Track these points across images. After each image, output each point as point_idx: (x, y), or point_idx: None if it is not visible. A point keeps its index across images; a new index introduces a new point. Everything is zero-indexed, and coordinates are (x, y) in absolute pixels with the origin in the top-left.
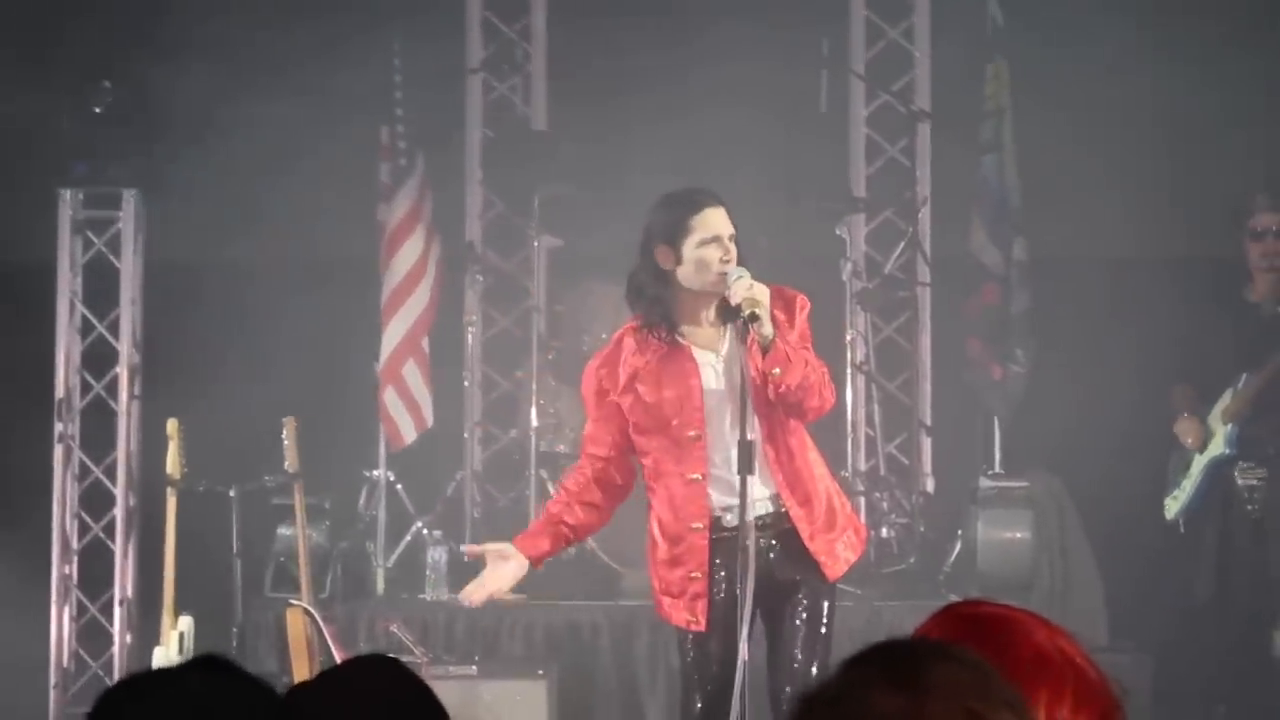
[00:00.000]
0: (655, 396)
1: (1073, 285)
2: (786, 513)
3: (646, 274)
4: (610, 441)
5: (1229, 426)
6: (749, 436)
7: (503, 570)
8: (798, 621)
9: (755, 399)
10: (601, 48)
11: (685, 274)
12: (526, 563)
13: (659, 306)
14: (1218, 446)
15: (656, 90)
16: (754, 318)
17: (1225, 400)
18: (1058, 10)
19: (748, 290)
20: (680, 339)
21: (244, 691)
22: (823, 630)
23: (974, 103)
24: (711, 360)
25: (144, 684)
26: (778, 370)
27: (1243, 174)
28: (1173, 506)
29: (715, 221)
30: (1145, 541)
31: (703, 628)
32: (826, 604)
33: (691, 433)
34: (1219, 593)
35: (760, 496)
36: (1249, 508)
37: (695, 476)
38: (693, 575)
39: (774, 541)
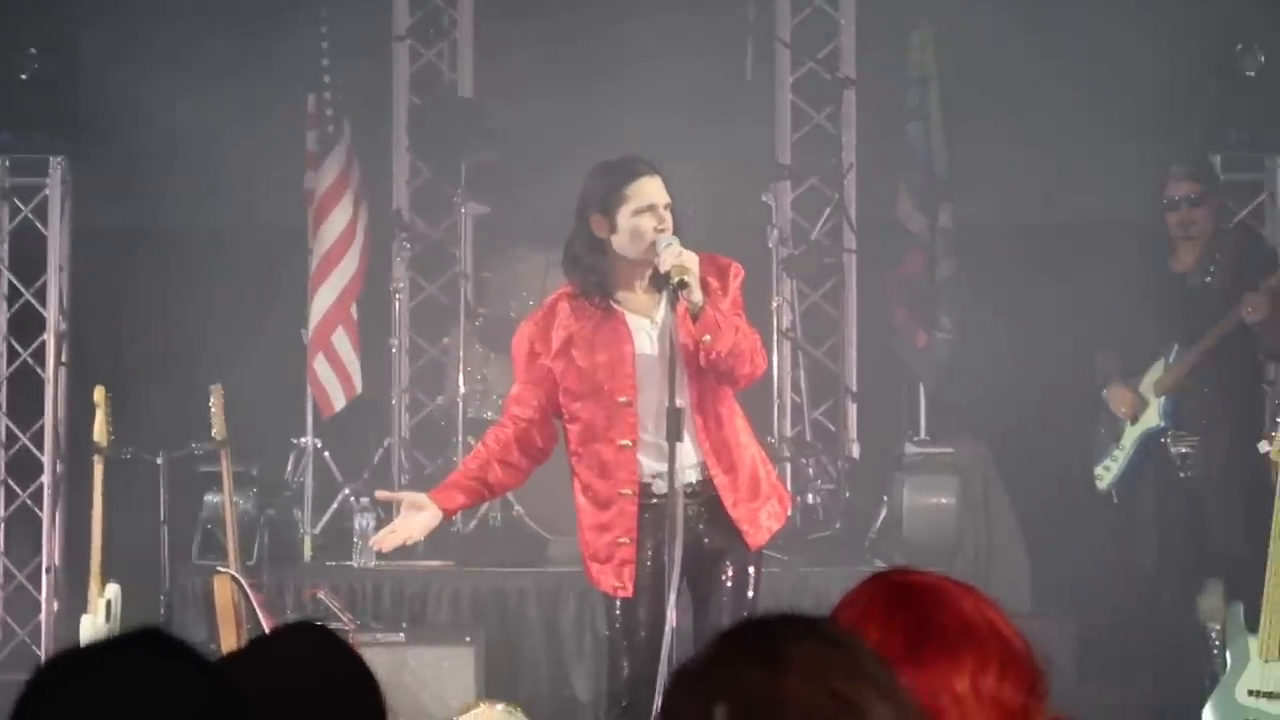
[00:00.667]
0: (588, 361)
1: (998, 252)
2: (712, 480)
3: (581, 242)
4: (536, 404)
5: (1162, 399)
6: (678, 404)
7: (416, 519)
8: (723, 589)
9: (686, 366)
10: (529, 13)
11: (620, 242)
12: (440, 514)
13: (594, 275)
14: (1151, 419)
15: (583, 58)
16: (683, 284)
17: (1157, 371)
18: None
19: (676, 258)
20: (615, 306)
21: (185, 668)
22: (749, 597)
23: (899, 70)
24: (646, 327)
25: (79, 663)
26: (708, 337)
27: (1165, 141)
28: (1105, 477)
29: (650, 190)
30: (1069, 507)
31: (629, 594)
32: (752, 571)
33: (623, 399)
34: (1158, 561)
35: (688, 464)
36: (1182, 475)
37: (625, 443)
38: (620, 541)
39: (701, 509)
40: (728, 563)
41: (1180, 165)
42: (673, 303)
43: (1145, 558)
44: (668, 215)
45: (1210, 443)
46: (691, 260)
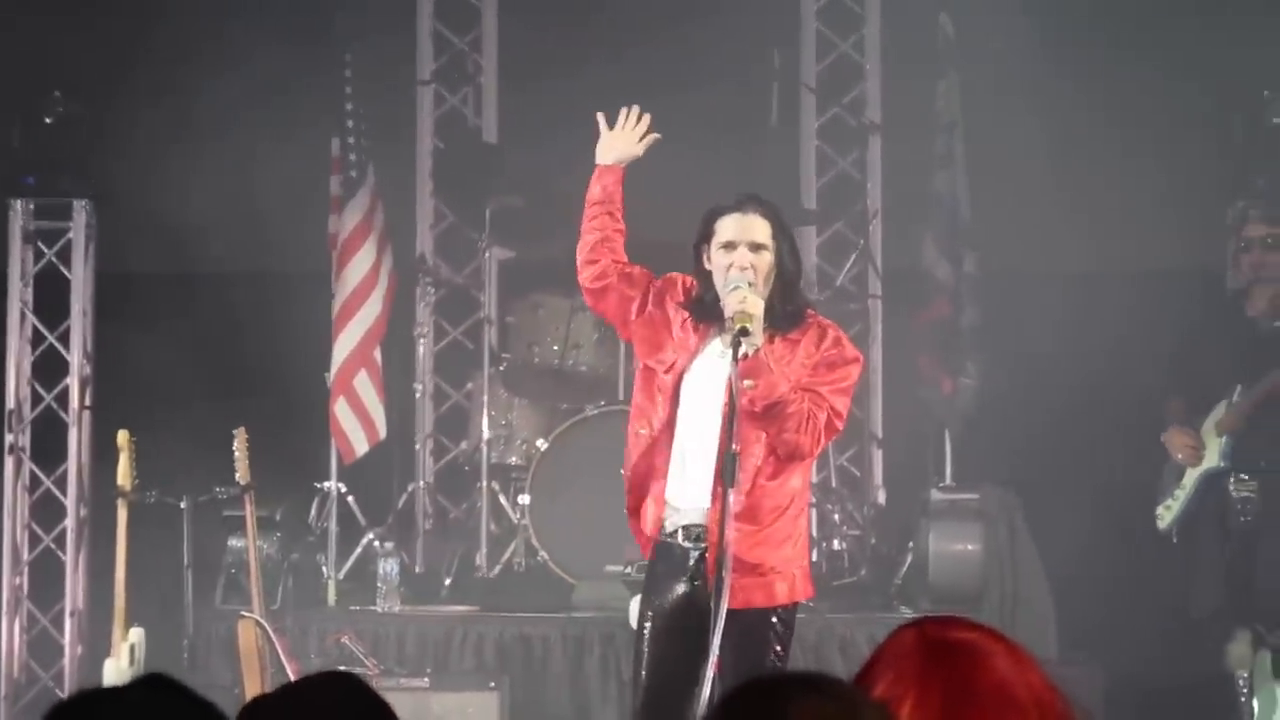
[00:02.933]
0: (657, 343)
1: (1023, 299)
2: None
3: (696, 271)
4: (635, 277)
5: (1223, 439)
6: (733, 448)
7: (634, 140)
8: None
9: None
10: (553, 59)
11: (715, 275)
12: (628, 160)
13: (698, 305)
14: (1212, 459)
15: (607, 103)
16: (743, 331)
17: (1219, 413)
18: (1009, 23)
19: (739, 303)
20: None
21: (189, 710)
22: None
23: (925, 116)
24: (715, 357)
25: (87, 704)
26: (749, 382)
27: (1196, 187)
28: (1165, 517)
29: (732, 227)
30: (1095, 553)
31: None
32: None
33: (660, 397)
34: (1209, 604)
35: (698, 506)
36: (1242, 519)
37: (643, 430)
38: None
39: (701, 555)
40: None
41: (1256, 208)
42: (735, 347)
43: (1201, 600)
44: (750, 254)
45: (1268, 485)
46: (756, 306)
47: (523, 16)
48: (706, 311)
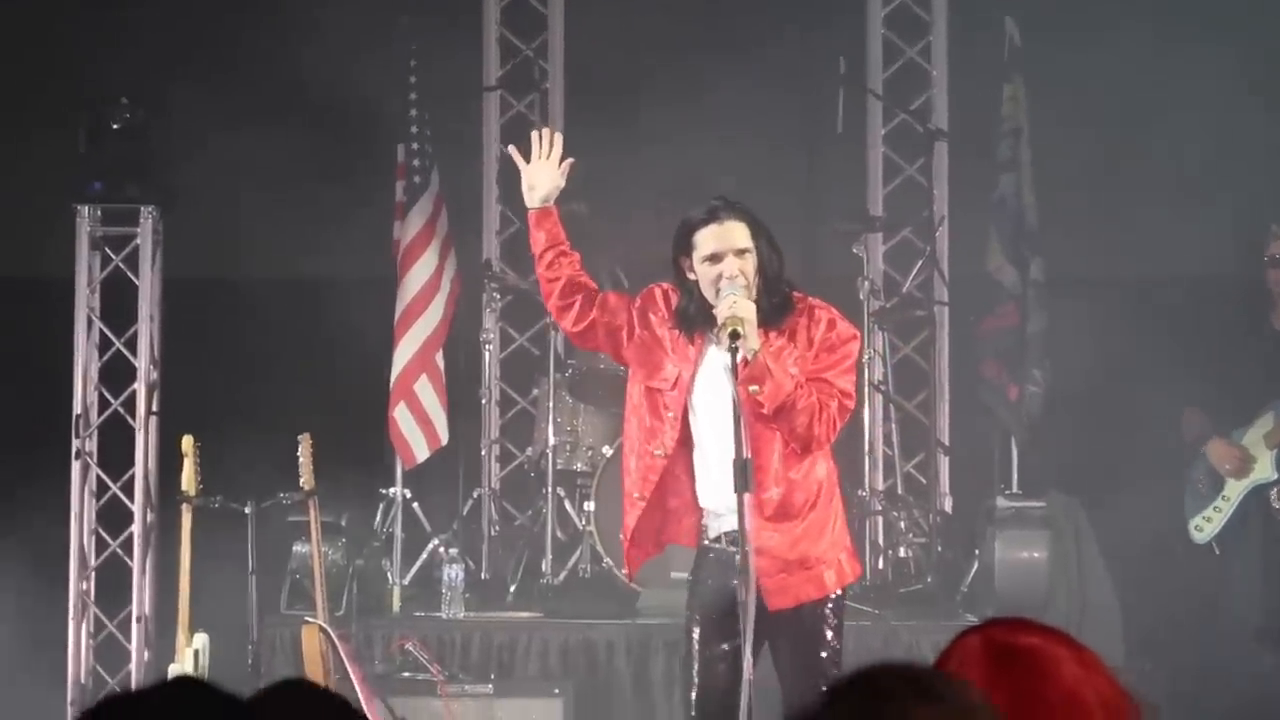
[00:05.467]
0: (654, 361)
1: (1090, 306)
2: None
3: (678, 282)
4: (612, 304)
5: (1275, 451)
6: (745, 455)
7: (552, 170)
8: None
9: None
10: (618, 65)
11: (702, 287)
12: (553, 194)
13: (682, 317)
14: (1265, 471)
15: (673, 110)
16: (735, 335)
17: (1265, 425)
18: (1075, 29)
19: (730, 308)
20: (701, 338)
21: (215, 709)
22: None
23: (991, 122)
24: (718, 365)
25: (115, 708)
26: (754, 387)
27: (1265, 196)
28: (1205, 529)
29: (714, 238)
30: (1162, 560)
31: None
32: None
33: (670, 413)
34: (1259, 616)
35: (728, 510)
36: None
37: (659, 452)
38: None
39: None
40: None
41: (1278, 224)
42: (733, 354)
43: (1246, 611)
44: (736, 261)
45: None
46: (747, 310)
47: (589, 22)
48: (693, 322)
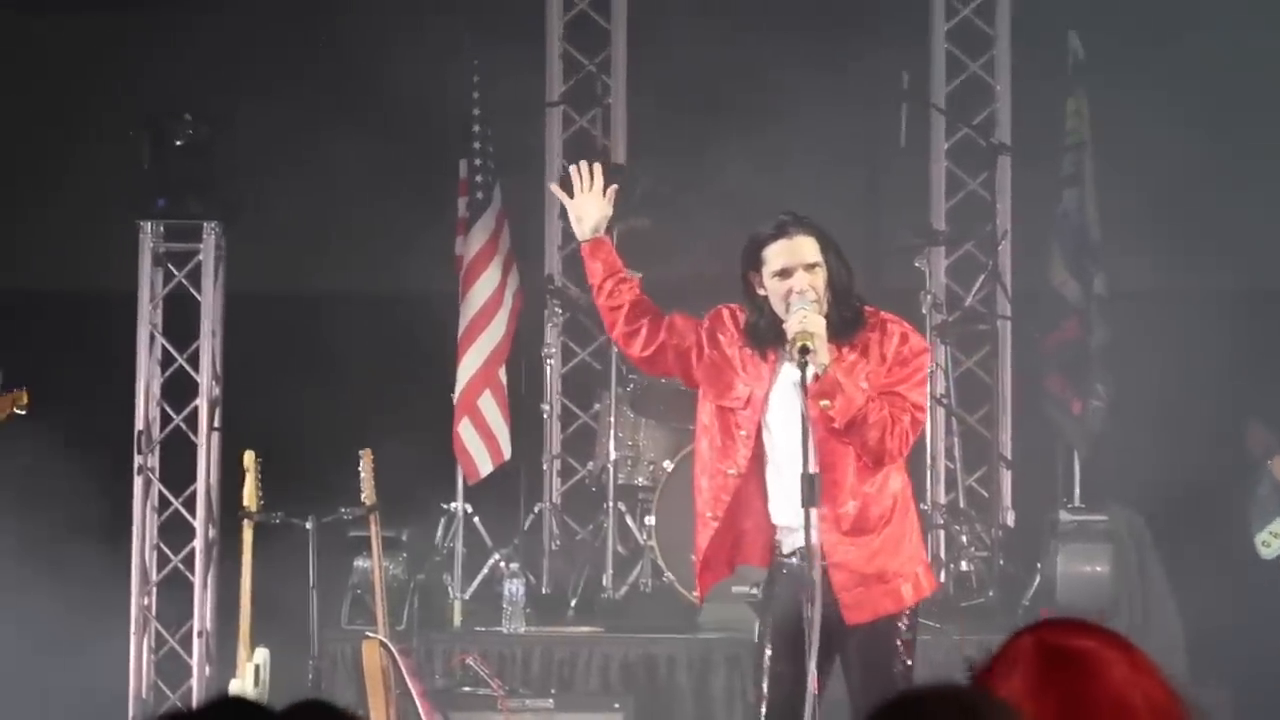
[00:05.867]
0: (727, 382)
1: (1153, 319)
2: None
3: (746, 297)
4: (680, 326)
5: None
6: (811, 469)
7: (599, 200)
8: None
9: (814, 431)
10: (681, 79)
11: (772, 302)
12: (603, 224)
13: (753, 332)
14: None
15: (735, 124)
16: (805, 350)
17: None
18: (1138, 44)
19: (800, 323)
20: (772, 354)
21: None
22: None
23: (1054, 136)
24: (792, 382)
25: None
26: (825, 402)
27: None
28: (1273, 544)
29: (783, 254)
30: (1227, 576)
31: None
32: (855, 646)
33: (743, 432)
34: None
35: (799, 526)
36: None
37: (732, 471)
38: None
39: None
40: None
41: None
42: (803, 369)
43: None
44: (806, 276)
45: None
46: (817, 324)
47: (651, 38)
48: (764, 337)
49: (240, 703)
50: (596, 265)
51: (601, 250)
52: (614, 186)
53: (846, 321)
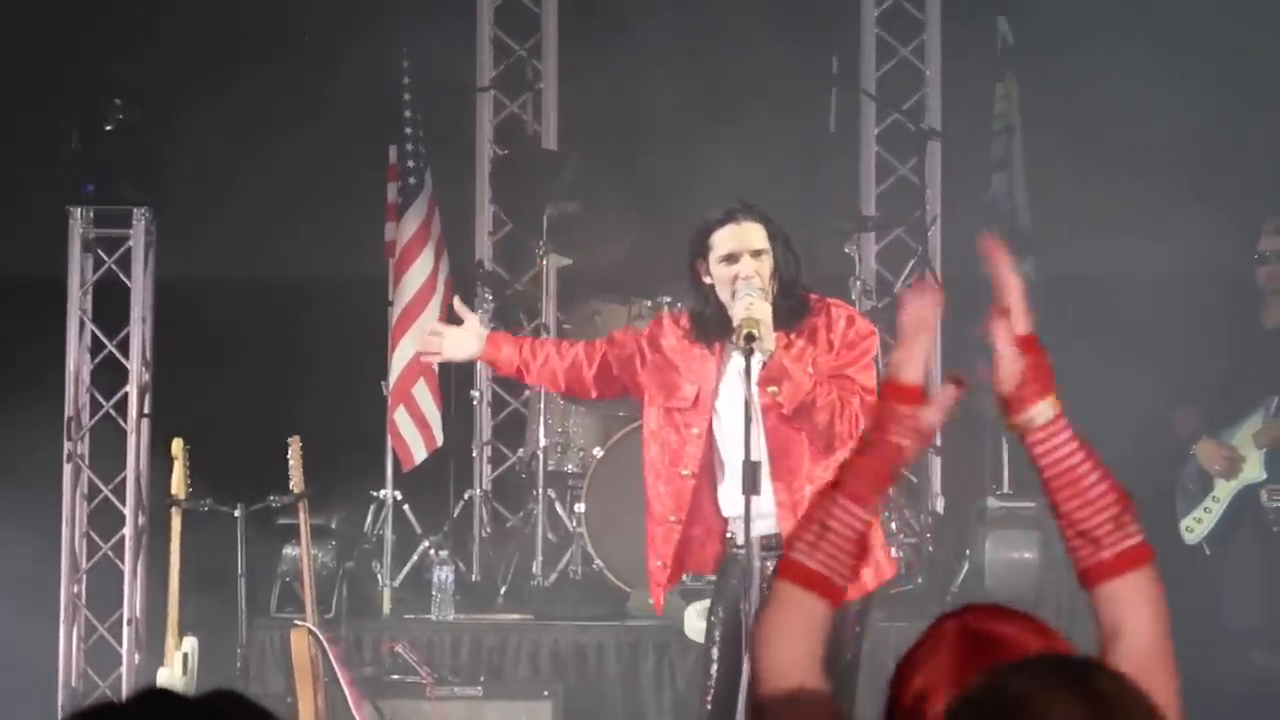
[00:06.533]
0: (672, 381)
1: (1083, 304)
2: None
3: (693, 288)
4: (620, 339)
5: (1264, 451)
6: (754, 458)
7: (461, 334)
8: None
9: (765, 418)
10: (612, 65)
11: (718, 289)
12: (482, 341)
13: (698, 320)
14: (1255, 471)
15: (665, 110)
16: (750, 337)
17: (1254, 424)
18: (1067, 29)
19: (746, 309)
20: (719, 345)
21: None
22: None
23: (984, 121)
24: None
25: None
26: (773, 388)
27: (1256, 193)
28: (1196, 529)
29: (730, 239)
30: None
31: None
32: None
33: (694, 430)
34: (1251, 617)
35: (763, 515)
36: (1276, 529)
37: (686, 472)
38: (656, 564)
39: (771, 563)
40: None
41: (1272, 219)
42: (748, 354)
43: (1237, 612)
44: (753, 262)
45: None
46: (763, 311)
47: (583, 23)
48: (710, 326)
49: (164, 694)
50: (500, 358)
51: (496, 351)
52: (474, 315)
53: (791, 310)
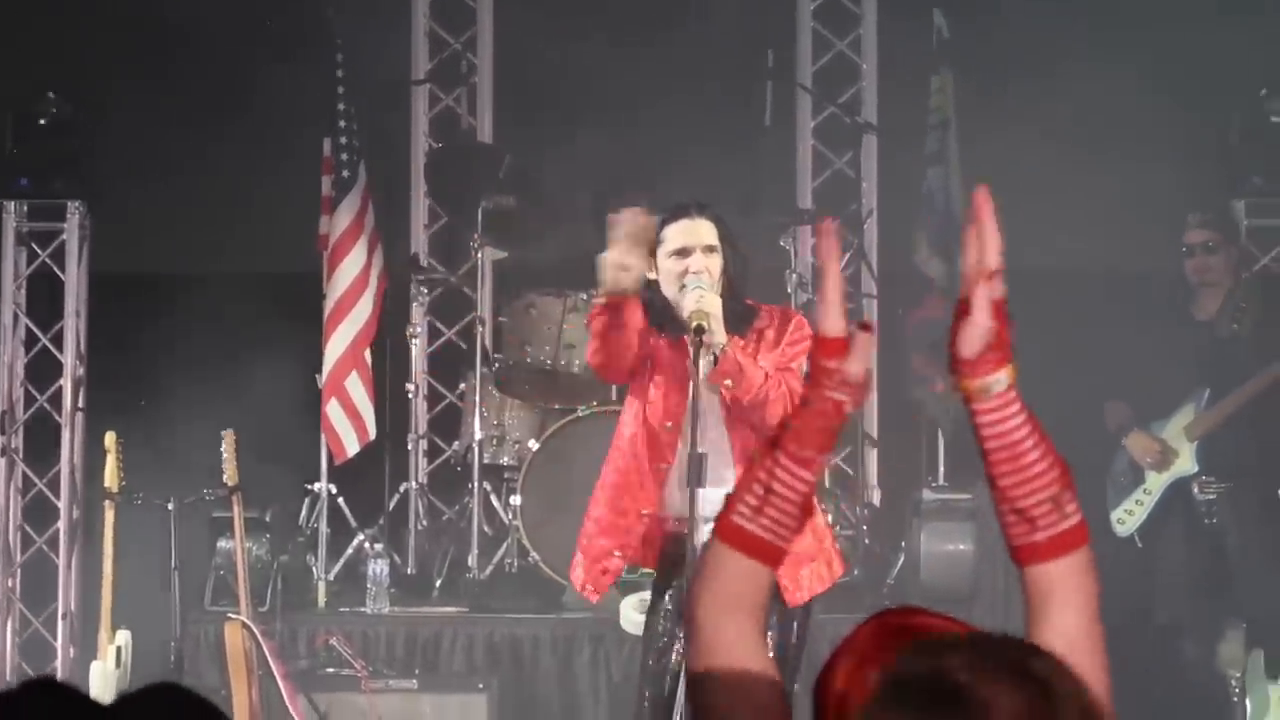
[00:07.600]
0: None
1: (1017, 298)
2: None
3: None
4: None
5: (1194, 444)
6: (700, 450)
7: None
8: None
9: (728, 412)
10: (547, 59)
11: (664, 283)
12: None
13: (651, 311)
14: (1185, 464)
15: (601, 103)
16: (700, 329)
17: (1185, 417)
18: (1003, 22)
19: (696, 302)
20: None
21: (69, 712)
22: (786, 654)
23: (920, 115)
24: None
25: None
26: (729, 382)
27: (1189, 186)
28: (1127, 521)
29: (683, 233)
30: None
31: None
32: (796, 626)
33: (668, 424)
34: (1182, 609)
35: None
36: (1207, 522)
37: (663, 466)
38: (615, 554)
39: None
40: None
41: (1196, 214)
42: (699, 348)
43: (1168, 604)
44: (703, 258)
45: (1239, 490)
46: (713, 304)
47: (518, 17)
48: (659, 317)
49: (50, 683)
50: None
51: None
52: None
53: (740, 315)
